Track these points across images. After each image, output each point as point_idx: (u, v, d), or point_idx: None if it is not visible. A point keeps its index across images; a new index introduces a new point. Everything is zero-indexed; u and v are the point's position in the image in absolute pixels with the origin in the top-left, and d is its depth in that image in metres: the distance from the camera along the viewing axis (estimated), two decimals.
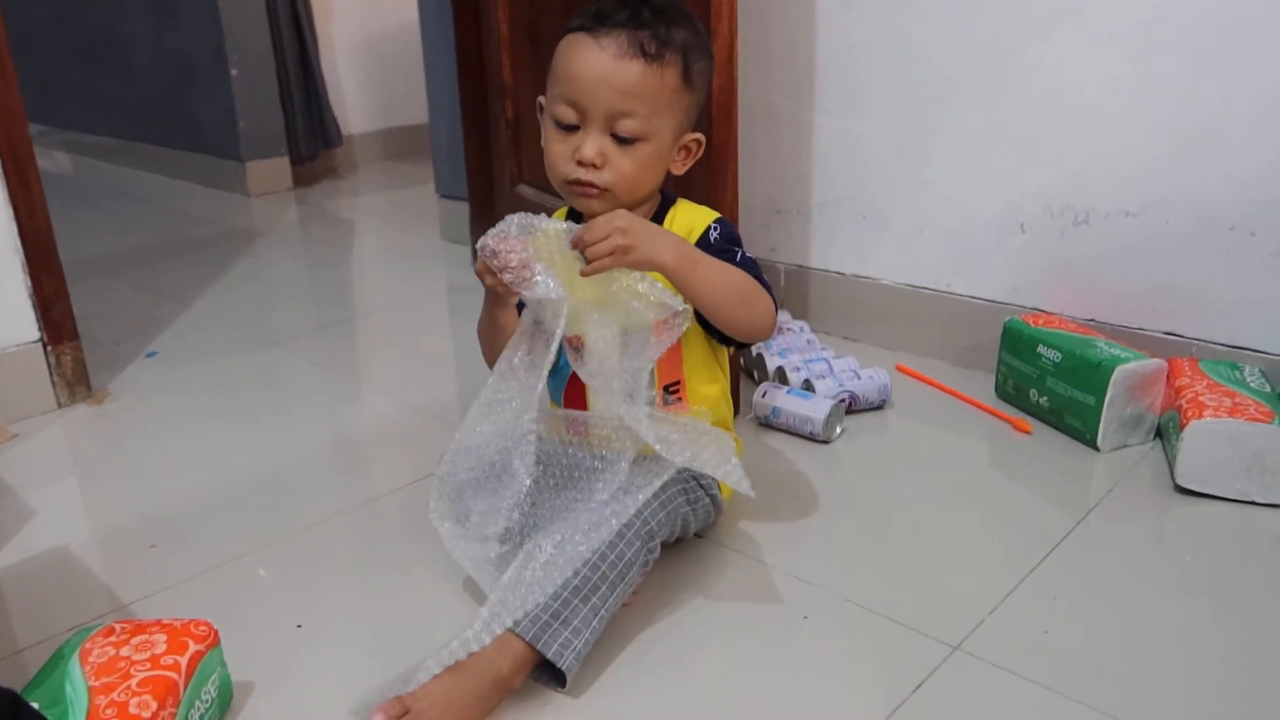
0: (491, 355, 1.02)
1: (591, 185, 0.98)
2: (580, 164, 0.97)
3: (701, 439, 0.95)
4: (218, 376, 1.67)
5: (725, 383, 1.12)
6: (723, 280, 0.96)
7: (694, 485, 1.02)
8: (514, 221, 0.91)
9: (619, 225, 0.90)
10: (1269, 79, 1.24)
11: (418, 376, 1.65)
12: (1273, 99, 1.24)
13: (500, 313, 1.01)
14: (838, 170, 1.66)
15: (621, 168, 0.98)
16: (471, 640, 0.84)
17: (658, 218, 1.06)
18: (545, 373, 0.93)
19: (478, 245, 0.92)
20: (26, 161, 1.46)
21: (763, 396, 1.38)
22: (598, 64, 0.95)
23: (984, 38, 1.45)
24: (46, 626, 1.00)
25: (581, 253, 0.90)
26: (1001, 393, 1.45)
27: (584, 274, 0.90)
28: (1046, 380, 1.34)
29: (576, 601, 0.87)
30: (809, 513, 1.18)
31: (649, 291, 0.92)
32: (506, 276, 0.90)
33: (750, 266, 1.00)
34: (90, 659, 0.80)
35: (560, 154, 0.99)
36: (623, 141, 0.97)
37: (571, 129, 0.98)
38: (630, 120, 0.96)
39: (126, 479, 1.34)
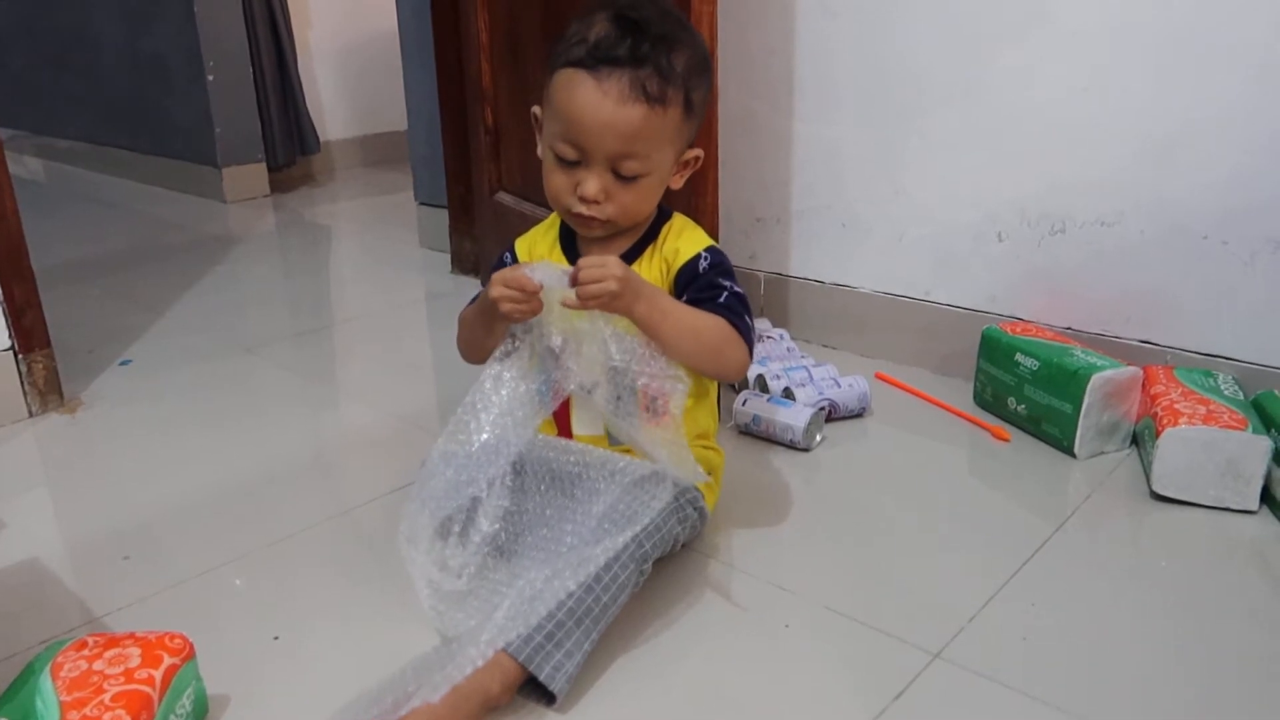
0: (474, 345, 1.05)
1: (593, 218, 0.99)
2: (582, 199, 0.98)
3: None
4: (193, 384, 1.66)
5: (711, 398, 1.12)
6: (690, 332, 0.97)
7: (684, 503, 1.02)
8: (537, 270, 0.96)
9: (615, 274, 0.92)
10: (1239, 87, 1.25)
11: (396, 383, 1.64)
12: (1243, 108, 1.26)
13: (499, 324, 1.02)
14: (817, 178, 1.67)
15: (623, 201, 0.99)
16: (466, 669, 0.83)
17: (652, 231, 1.06)
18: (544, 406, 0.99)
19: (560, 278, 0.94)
20: None
21: (743, 404, 1.38)
22: (600, 110, 0.94)
23: (960, 47, 1.47)
24: (17, 640, 0.98)
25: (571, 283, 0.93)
26: (980, 400, 1.45)
27: (566, 304, 0.93)
28: (1024, 388, 1.35)
29: (570, 623, 0.87)
30: (789, 521, 1.18)
31: (615, 349, 0.95)
32: (516, 307, 0.95)
33: (736, 305, 1.01)
34: (62, 673, 0.79)
35: (562, 186, 1.00)
36: (624, 178, 0.98)
37: (572, 164, 0.98)
38: (632, 161, 0.97)
39: (100, 489, 1.32)
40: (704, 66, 1.01)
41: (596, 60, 0.94)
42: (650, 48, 0.95)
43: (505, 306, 0.95)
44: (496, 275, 0.96)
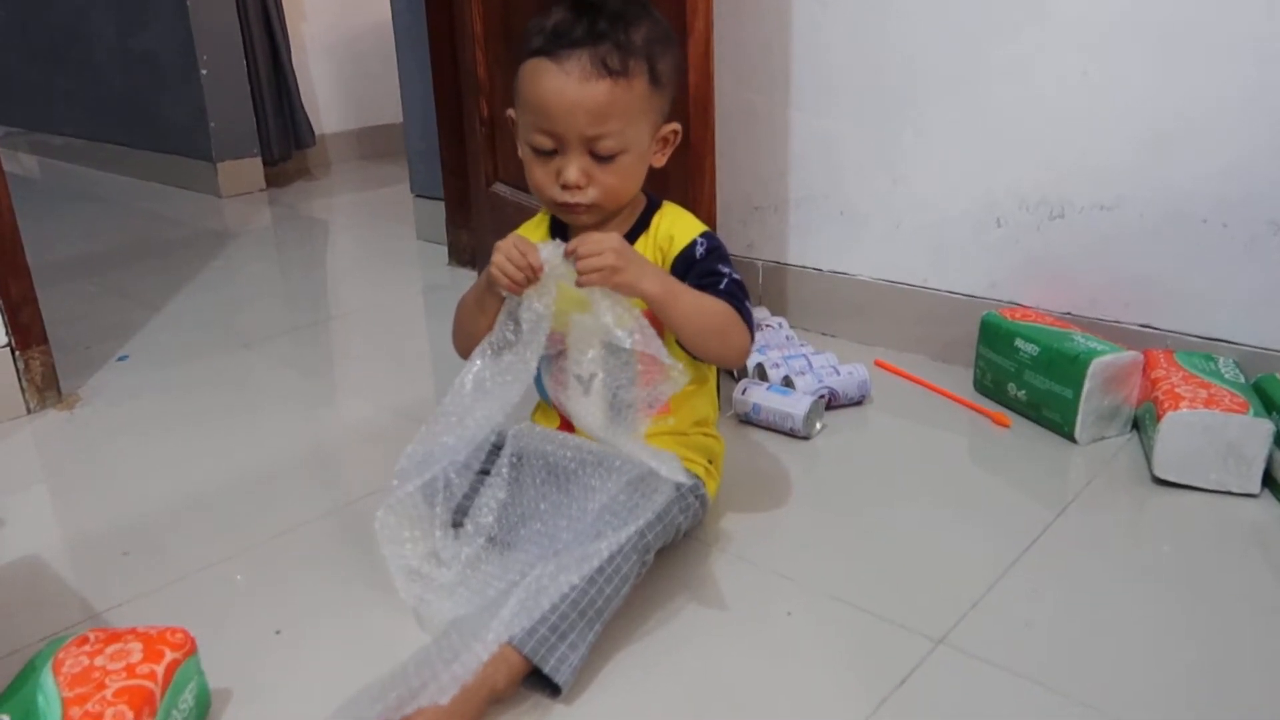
0: (466, 329, 1.04)
1: (579, 204, 0.99)
2: (565, 187, 0.98)
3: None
4: (190, 380, 1.65)
5: (711, 384, 1.12)
6: (699, 314, 0.98)
7: (685, 491, 1.02)
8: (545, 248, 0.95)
9: (612, 246, 0.92)
10: (1238, 74, 1.25)
11: (393, 377, 1.64)
12: (1241, 93, 1.25)
13: (494, 301, 1.01)
14: (814, 167, 1.66)
15: (606, 183, 0.99)
16: (473, 666, 0.83)
17: (643, 220, 1.06)
18: (535, 366, 0.96)
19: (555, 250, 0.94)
20: None
21: (742, 393, 1.38)
22: (565, 92, 0.94)
23: (957, 35, 1.46)
24: (18, 637, 0.98)
25: (573, 264, 0.92)
26: (980, 387, 1.45)
27: (579, 283, 0.92)
28: (1024, 374, 1.34)
29: (574, 615, 0.87)
30: (790, 509, 1.18)
31: (621, 322, 0.94)
32: (510, 271, 0.94)
33: (736, 291, 1.01)
34: (64, 669, 0.79)
35: (543, 178, 0.99)
36: (602, 158, 0.97)
37: (550, 153, 0.98)
38: (607, 140, 0.96)
39: (98, 485, 1.31)
40: (666, 38, 1.01)
41: (555, 45, 0.95)
42: (607, 24, 0.95)
43: (499, 260, 0.94)
44: (504, 241, 0.95)
